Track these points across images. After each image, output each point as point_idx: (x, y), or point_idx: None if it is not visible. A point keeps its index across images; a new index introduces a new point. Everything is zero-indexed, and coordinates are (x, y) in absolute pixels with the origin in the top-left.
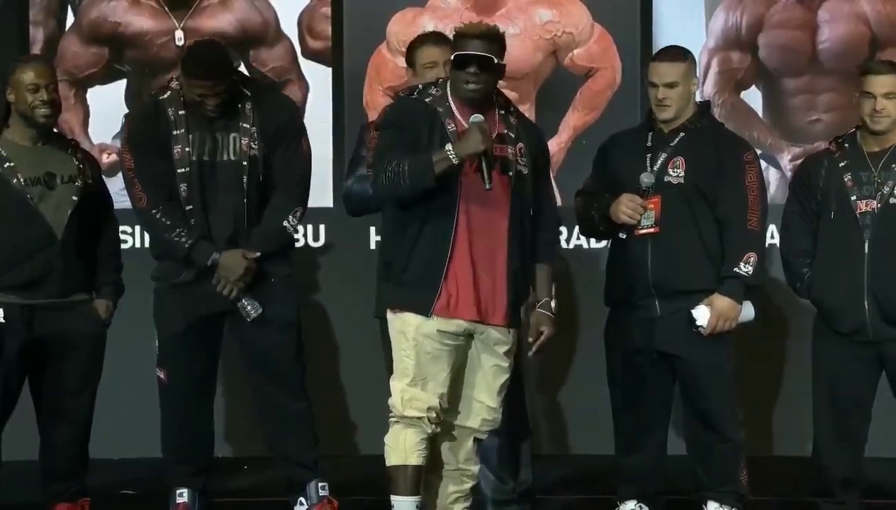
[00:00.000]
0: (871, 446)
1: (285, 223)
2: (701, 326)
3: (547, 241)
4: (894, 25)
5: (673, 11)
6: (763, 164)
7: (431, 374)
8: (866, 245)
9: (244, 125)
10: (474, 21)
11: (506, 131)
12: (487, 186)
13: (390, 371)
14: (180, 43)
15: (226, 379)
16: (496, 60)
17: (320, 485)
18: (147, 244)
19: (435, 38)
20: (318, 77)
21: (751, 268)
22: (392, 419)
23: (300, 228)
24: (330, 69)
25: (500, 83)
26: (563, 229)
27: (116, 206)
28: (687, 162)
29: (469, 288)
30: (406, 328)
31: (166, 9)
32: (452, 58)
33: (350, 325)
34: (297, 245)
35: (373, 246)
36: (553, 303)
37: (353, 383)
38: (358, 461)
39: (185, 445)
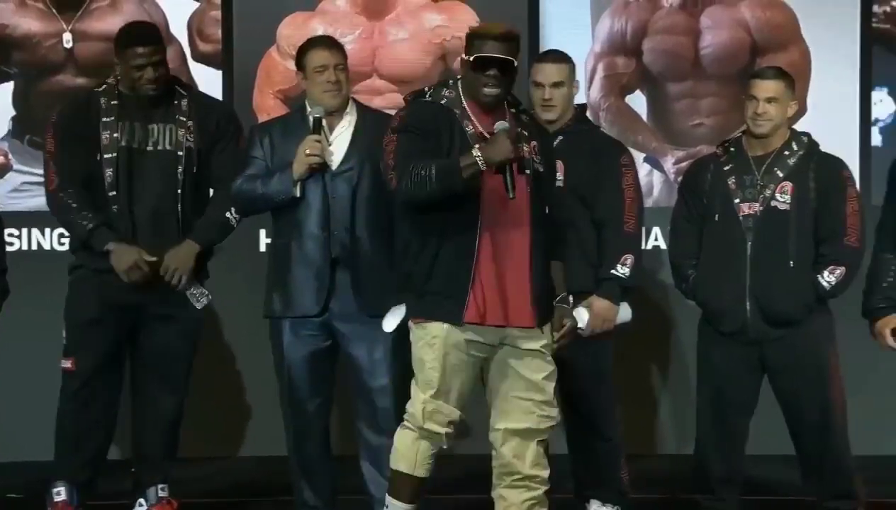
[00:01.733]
0: (751, 444)
1: (228, 215)
2: (580, 328)
3: (559, 239)
4: (774, 31)
5: (560, 17)
6: (647, 167)
7: (455, 387)
8: (748, 247)
9: (181, 118)
10: (365, 25)
11: (519, 130)
12: (511, 195)
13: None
14: (68, 45)
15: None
16: (515, 63)
17: (160, 486)
18: (34, 247)
19: (326, 41)
20: (208, 80)
21: (628, 269)
22: (408, 426)
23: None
24: (220, 72)
25: (390, 87)
26: None
27: (6, 208)
28: (565, 165)
29: (495, 292)
30: (433, 338)
31: (54, 11)
32: (472, 59)
33: (240, 327)
34: None
35: (262, 248)
36: (570, 298)
37: (242, 384)
38: (236, 462)
39: (80, 436)
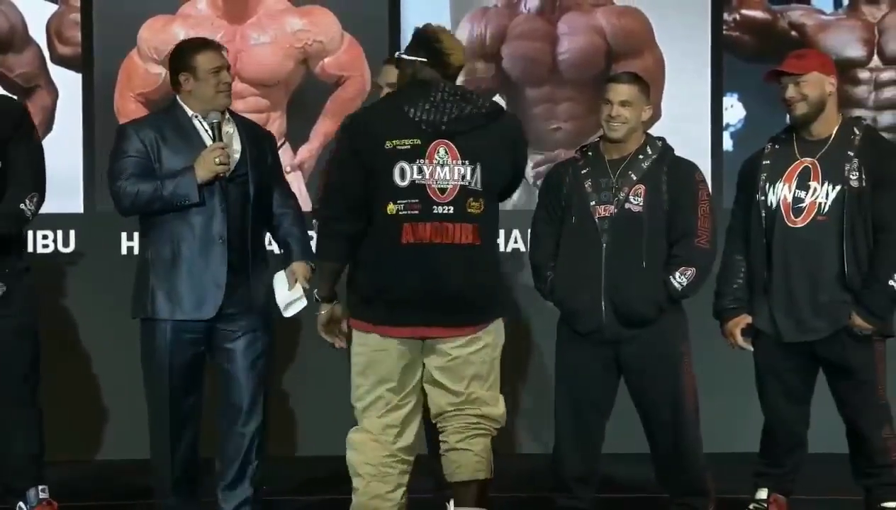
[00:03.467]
0: (606, 443)
1: (22, 206)
2: None
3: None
4: (628, 38)
5: (420, 21)
6: None
7: None
8: (604, 248)
9: None
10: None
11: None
12: None
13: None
14: None
15: None
16: None
17: (40, 488)
18: None
19: (214, 44)
20: (68, 83)
21: None
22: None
23: (50, 233)
24: (80, 75)
25: (252, 91)
26: None
27: None
28: None
29: None
30: None
31: None
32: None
33: (102, 329)
34: (47, 251)
35: (124, 251)
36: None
37: (109, 385)
38: (97, 465)
39: None
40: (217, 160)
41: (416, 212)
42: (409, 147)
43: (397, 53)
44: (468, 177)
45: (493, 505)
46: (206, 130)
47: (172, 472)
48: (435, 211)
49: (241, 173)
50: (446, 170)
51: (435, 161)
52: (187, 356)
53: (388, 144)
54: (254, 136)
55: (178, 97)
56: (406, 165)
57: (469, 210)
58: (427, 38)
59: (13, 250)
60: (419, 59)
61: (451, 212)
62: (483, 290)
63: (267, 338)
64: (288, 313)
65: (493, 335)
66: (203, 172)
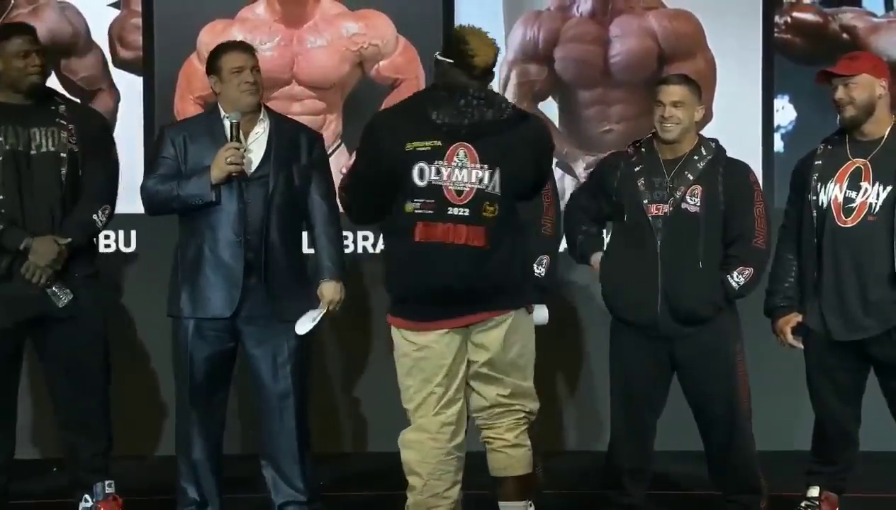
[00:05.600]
0: (659, 440)
1: (94, 216)
2: None
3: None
4: (680, 40)
5: (474, 24)
6: (559, 172)
7: None
8: (658, 247)
9: (61, 122)
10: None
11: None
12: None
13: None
14: None
15: (33, 381)
16: None
17: (106, 482)
18: None
19: (240, 44)
20: (129, 86)
21: (544, 270)
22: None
23: (112, 233)
24: (141, 78)
25: (308, 94)
26: None
27: None
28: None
29: None
30: None
31: None
32: None
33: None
34: (109, 250)
35: None
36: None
37: (168, 382)
38: (161, 461)
39: None
40: (228, 159)
41: (431, 212)
42: (429, 148)
43: (435, 54)
44: (486, 180)
45: (545, 502)
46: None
47: (194, 468)
48: (449, 212)
49: (263, 174)
50: (464, 172)
51: (454, 163)
52: (210, 354)
53: (408, 145)
54: (290, 136)
55: (217, 100)
56: (425, 166)
57: (483, 213)
58: (455, 39)
59: (83, 257)
60: (447, 59)
61: (467, 214)
62: (494, 282)
63: (294, 341)
64: (300, 330)
65: (523, 327)
66: (216, 172)
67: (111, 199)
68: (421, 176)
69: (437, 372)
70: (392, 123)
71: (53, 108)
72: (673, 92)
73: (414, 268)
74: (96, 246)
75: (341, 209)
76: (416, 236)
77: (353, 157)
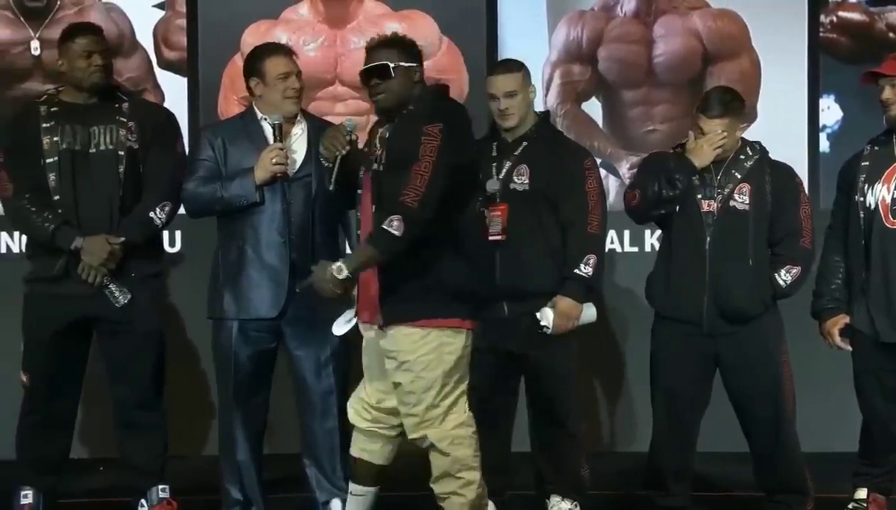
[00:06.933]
0: (701, 441)
1: (152, 214)
2: (546, 327)
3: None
4: (725, 41)
5: (517, 25)
6: (603, 172)
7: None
8: (707, 242)
9: (121, 119)
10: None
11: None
12: (331, 187)
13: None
14: (36, 52)
15: (86, 380)
16: (391, 65)
17: (160, 487)
18: (14, 249)
19: (284, 49)
20: (174, 87)
21: (591, 269)
22: None
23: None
24: (185, 79)
25: (352, 94)
26: None
27: None
28: (531, 169)
29: (363, 292)
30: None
31: (22, 19)
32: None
33: (207, 327)
34: None
35: None
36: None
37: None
38: (203, 462)
39: (40, 446)
40: (273, 160)
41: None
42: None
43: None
44: None
45: (590, 502)
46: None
47: (238, 468)
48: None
49: (305, 174)
50: None
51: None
52: (253, 355)
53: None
54: None
55: (252, 101)
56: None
57: None
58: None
59: (145, 256)
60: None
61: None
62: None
63: (336, 341)
64: (337, 331)
65: None
66: (261, 173)
67: (172, 195)
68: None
69: (467, 370)
70: (468, 125)
71: (116, 105)
72: (714, 124)
73: (478, 267)
74: (161, 244)
75: (401, 229)
76: (483, 235)
77: (431, 163)
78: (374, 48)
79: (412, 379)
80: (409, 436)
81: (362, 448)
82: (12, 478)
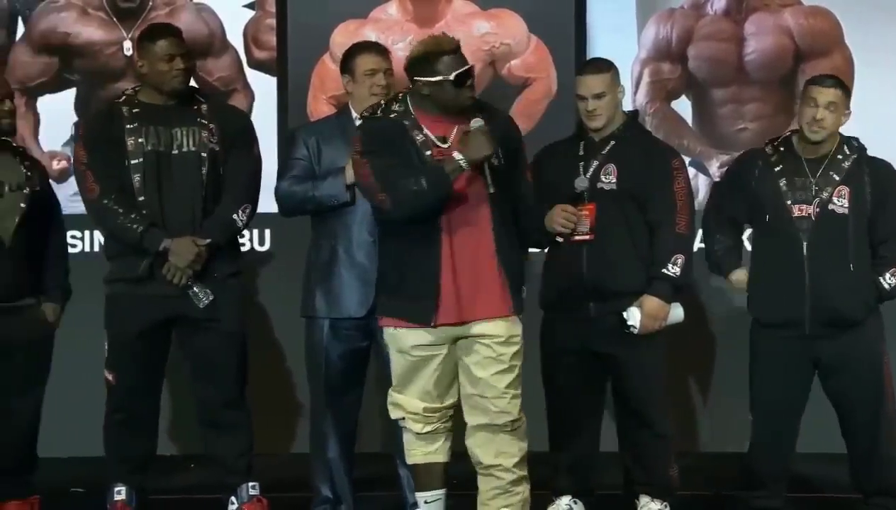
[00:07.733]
0: (799, 441)
1: (234, 216)
2: (633, 326)
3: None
4: (817, 38)
5: (606, 24)
6: (692, 171)
7: (411, 380)
8: (804, 248)
9: (202, 121)
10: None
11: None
12: (491, 189)
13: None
14: (128, 53)
15: (173, 377)
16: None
17: (251, 484)
18: (96, 248)
19: (375, 46)
20: (264, 86)
21: (678, 269)
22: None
23: (246, 232)
24: (275, 78)
25: None
26: None
27: (67, 211)
28: (618, 168)
29: (452, 292)
30: (390, 339)
31: (115, 20)
32: (454, 78)
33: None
34: (243, 249)
35: None
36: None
37: (301, 381)
38: (290, 459)
39: (127, 444)
40: None
41: None
42: None
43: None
44: None
45: (680, 503)
46: None
47: (329, 466)
48: None
49: None
50: None
51: None
52: (345, 354)
53: None
54: None
55: (348, 100)
56: None
57: None
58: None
59: (225, 256)
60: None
61: None
62: None
63: None
64: None
65: None
66: (351, 172)
67: (252, 197)
68: None
69: None
70: None
71: (196, 107)
72: (827, 94)
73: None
74: (239, 245)
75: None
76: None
77: None
78: (459, 46)
79: (520, 362)
80: (513, 417)
81: (425, 452)
82: (106, 474)
